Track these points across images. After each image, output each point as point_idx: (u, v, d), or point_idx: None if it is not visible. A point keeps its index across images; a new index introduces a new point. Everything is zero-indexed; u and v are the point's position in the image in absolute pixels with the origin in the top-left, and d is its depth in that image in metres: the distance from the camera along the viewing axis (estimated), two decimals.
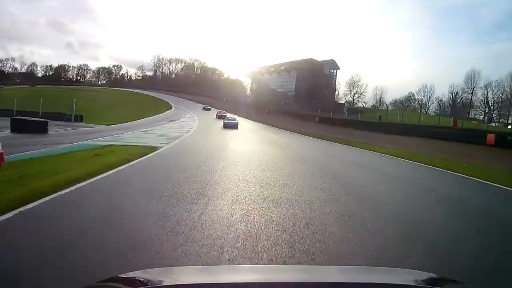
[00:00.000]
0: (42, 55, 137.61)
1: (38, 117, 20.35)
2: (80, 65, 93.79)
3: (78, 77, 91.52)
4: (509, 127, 51.60)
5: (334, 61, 60.15)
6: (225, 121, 29.74)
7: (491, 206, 6.12)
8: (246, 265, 2.66)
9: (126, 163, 7.24)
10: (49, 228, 3.42)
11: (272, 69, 64.76)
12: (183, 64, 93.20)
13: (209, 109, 47.16)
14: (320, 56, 72.48)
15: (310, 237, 3.29)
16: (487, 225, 4.59)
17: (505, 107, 55.93)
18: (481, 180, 8.49)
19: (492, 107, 57.66)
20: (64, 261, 2.60)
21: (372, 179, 8.16)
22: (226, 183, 5.83)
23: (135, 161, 7.74)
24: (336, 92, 62.83)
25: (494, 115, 57.45)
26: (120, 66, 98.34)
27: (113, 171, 6.52)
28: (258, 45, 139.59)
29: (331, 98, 57.16)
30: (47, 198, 4.26)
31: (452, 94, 59.20)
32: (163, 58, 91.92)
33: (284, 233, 3.36)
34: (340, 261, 2.86)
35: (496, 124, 53.94)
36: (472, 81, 56.70)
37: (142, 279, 1.03)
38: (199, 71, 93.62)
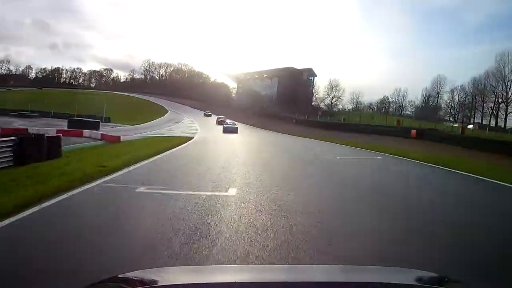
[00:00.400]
0: (27, 55, 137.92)
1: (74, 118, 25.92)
2: (74, 68, 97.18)
3: (71, 80, 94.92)
4: (470, 126, 59.24)
5: (311, 69, 67.26)
6: (225, 125, 30.78)
7: (363, 160, 12.77)
8: (245, 265, 2.72)
9: (185, 143, 13.35)
10: (156, 171, 8.01)
11: (256, 76, 71.30)
12: (172, 68, 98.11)
13: (210, 115, 49.40)
14: (299, 65, 79.24)
15: (270, 159, 9.75)
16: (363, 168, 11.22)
17: (468, 109, 64.02)
18: (370, 150, 15.23)
19: (457, 109, 65.99)
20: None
21: (303, 150, 14.89)
22: (227, 145, 12.32)
23: (190, 142, 13.95)
24: (314, 97, 70.12)
25: (459, 117, 65.80)
26: (111, 70, 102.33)
27: (180, 146, 12.61)
28: (243, 53, 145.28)
29: (308, 102, 64.16)
30: (151, 159, 8.93)
31: (424, 97, 66.79)
32: (153, 63, 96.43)
33: (259, 159, 9.79)
34: (269, 159, 9.31)
35: (458, 124, 61.55)
36: (438, 85, 64.40)
37: (142, 279, 1.04)
38: (187, 75, 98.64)
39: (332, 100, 70.42)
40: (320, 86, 70.83)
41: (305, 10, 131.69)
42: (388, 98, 71.02)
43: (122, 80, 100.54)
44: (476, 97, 60.95)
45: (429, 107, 64.67)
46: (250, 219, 3.90)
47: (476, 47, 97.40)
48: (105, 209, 4.41)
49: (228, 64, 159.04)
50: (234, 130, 28.98)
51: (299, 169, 9.19)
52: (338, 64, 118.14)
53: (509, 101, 55.81)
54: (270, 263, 2.81)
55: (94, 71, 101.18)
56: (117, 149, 10.87)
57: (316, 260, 2.88)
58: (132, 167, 7.31)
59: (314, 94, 69.49)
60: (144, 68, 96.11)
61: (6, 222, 3.54)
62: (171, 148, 11.28)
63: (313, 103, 67.61)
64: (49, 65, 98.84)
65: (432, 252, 3.25)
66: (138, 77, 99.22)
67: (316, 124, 38.65)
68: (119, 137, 13.43)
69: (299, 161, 11.25)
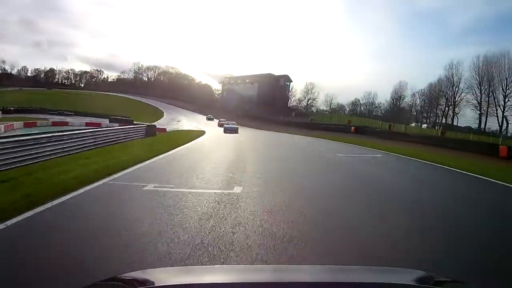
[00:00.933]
0: (11, 54, 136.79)
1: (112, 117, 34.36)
2: (68, 69, 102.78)
3: (65, 81, 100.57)
4: (424, 126, 70.35)
5: (288, 76, 77.53)
6: (226, 125, 32.83)
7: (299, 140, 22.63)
8: (246, 265, 2.74)
9: (203, 135, 22.50)
10: (186, 157, 17.73)
11: (239, 81, 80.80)
12: (159, 70, 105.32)
13: (212, 119, 52.98)
14: (278, 70, 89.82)
15: (253, 140, 19.44)
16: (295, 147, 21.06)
17: (425, 111, 75.12)
18: (317, 138, 25.12)
19: (418, 111, 76.60)
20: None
21: (267, 138, 24.53)
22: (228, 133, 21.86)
23: (207, 134, 23.05)
24: (291, 100, 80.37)
25: (420, 118, 75.74)
26: (101, 71, 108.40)
27: (203, 136, 21.67)
28: (227, 57, 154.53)
29: (285, 105, 74.34)
30: (184, 146, 16.87)
31: (392, 100, 75.69)
32: (142, 66, 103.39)
33: (237, 142, 19.43)
34: (253, 140, 18.87)
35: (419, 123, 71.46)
36: (400, 90, 74.19)
37: (142, 279, 1.04)
38: (173, 77, 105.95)
39: (308, 102, 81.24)
40: (297, 89, 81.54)
41: (285, 17, 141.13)
42: (359, 100, 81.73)
43: (109, 80, 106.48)
44: (432, 101, 72.81)
45: (396, 108, 74.52)
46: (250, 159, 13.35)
47: (455, 49, 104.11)
48: (199, 151, 13.61)
49: (213, 67, 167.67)
50: (234, 130, 31.13)
51: (269, 143, 18.72)
52: (318, 68, 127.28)
53: (456, 104, 67.91)
54: (270, 263, 2.92)
55: (85, 71, 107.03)
56: (173, 135, 19.89)
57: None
58: (192, 142, 16.40)
59: (290, 97, 79.92)
60: (134, 70, 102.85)
61: (168, 156, 12.78)
62: (200, 136, 20.40)
63: (289, 105, 77.85)
64: (33, 63, 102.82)
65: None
66: (124, 77, 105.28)
67: (289, 124, 48.64)
68: (165, 129, 22.48)
69: (269, 140, 21.00)
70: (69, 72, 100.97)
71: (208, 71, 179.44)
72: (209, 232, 3.63)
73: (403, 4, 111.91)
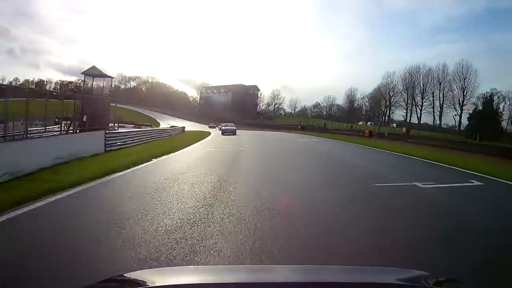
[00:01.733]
0: None
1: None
2: (58, 80, 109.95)
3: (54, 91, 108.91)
4: (369, 123, 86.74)
5: (256, 86, 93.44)
6: (223, 128, 34.38)
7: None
8: (246, 265, 2.75)
9: (209, 135, 37.12)
10: (215, 138, 33.25)
11: (215, 90, 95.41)
12: (140, 80, 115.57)
13: (214, 127, 55.08)
14: (248, 80, 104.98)
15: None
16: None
17: (374, 111, 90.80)
18: (271, 131, 40.90)
19: (366, 112, 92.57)
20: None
21: (240, 133, 39.96)
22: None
23: (212, 134, 37.56)
24: (260, 105, 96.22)
25: (366, 117, 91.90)
26: (84, 80, 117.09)
27: (212, 134, 36.08)
28: (203, 65, 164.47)
29: (254, 109, 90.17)
30: (210, 136, 31.84)
31: (349, 103, 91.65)
32: (125, 76, 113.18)
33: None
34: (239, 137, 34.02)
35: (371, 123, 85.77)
36: (351, 95, 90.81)
37: (142, 280, 1.05)
38: (152, 85, 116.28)
39: (274, 106, 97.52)
40: (266, 95, 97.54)
41: (256, 28, 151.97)
42: (320, 104, 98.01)
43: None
44: (376, 103, 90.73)
45: (348, 110, 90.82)
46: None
47: (424, 48, 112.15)
48: (218, 136, 28.29)
49: (184, 73, 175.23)
50: (232, 132, 32.25)
51: (243, 135, 33.60)
52: (289, 72, 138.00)
53: (391, 106, 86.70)
54: (269, 263, 2.92)
55: (70, 82, 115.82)
56: (192, 134, 34.09)
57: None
58: (211, 135, 30.64)
59: (259, 103, 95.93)
60: (118, 81, 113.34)
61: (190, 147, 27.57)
62: (211, 134, 34.21)
63: (258, 110, 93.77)
64: (5, 71, 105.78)
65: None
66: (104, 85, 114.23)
67: (258, 125, 64.27)
68: (183, 127, 36.64)
69: (243, 134, 35.85)
70: (57, 83, 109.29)
71: (180, 77, 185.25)
72: (230, 146, 18.70)
73: (373, 6, 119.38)
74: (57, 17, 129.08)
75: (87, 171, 7.30)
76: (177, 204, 4.91)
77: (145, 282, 1.01)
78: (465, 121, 60.34)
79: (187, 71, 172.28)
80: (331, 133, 40.95)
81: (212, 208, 4.74)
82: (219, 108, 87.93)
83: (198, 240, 3.43)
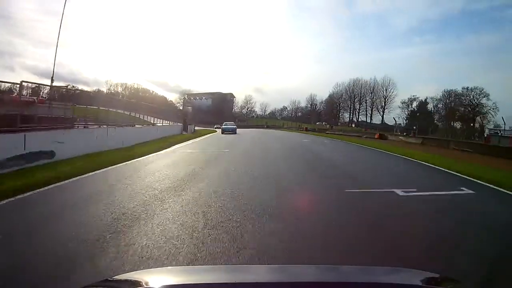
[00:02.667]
0: None
1: None
2: (56, 85, 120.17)
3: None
4: (324, 123, 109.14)
5: (232, 93, 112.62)
6: (223, 126, 35.22)
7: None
8: (246, 265, 2.80)
9: (216, 132, 55.39)
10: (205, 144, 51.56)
11: (198, 97, 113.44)
12: (126, 85, 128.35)
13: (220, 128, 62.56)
14: (225, 89, 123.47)
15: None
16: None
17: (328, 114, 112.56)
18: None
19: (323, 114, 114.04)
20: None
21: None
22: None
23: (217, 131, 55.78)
24: (234, 109, 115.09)
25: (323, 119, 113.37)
26: (74, 86, 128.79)
27: (216, 131, 54.47)
28: (185, 73, 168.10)
29: (230, 114, 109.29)
30: (204, 136, 50.44)
31: (310, 106, 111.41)
32: (113, 82, 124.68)
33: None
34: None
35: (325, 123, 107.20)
36: (311, 99, 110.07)
37: (141, 280, 1.05)
38: (136, 90, 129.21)
39: (247, 110, 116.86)
40: (240, 100, 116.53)
41: (231, 35, 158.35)
42: (286, 107, 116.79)
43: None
44: (330, 107, 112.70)
45: (309, 112, 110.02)
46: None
47: (397, 49, 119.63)
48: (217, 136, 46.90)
49: (163, 78, 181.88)
50: (233, 131, 32.23)
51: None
52: (263, 75, 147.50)
53: (340, 109, 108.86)
54: (269, 263, 2.99)
55: (61, 86, 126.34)
56: (203, 130, 52.11)
57: None
58: (218, 130, 47.85)
59: (234, 108, 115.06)
60: (107, 88, 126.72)
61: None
62: (217, 130, 51.69)
63: (233, 113, 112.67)
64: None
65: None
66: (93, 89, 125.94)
67: None
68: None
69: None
70: (52, 89, 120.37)
71: (152, 79, 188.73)
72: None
73: (344, 8, 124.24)
74: (32, 18, 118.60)
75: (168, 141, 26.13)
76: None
77: (145, 282, 1.02)
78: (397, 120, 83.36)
79: (163, 75, 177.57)
80: (284, 129, 61.32)
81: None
82: (200, 111, 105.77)
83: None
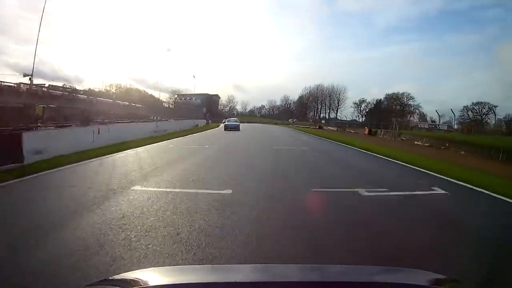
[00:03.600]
0: None
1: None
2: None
3: None
4: (295, 120, 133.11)
5: (218, 94, 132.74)
6: (227, 123, 35.88)
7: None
8: (246, 265, 2.74)
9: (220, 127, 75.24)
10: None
11: (188, 98, 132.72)
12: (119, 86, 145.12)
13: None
14: (212, 91, 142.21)
15: None
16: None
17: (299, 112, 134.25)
18: None
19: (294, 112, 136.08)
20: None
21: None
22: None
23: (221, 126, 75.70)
24: (219, 108, 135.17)
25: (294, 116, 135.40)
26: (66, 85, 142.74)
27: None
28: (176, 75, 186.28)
29: (216, 111, 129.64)
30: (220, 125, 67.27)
31: (284, 105, 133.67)
32: (107, 83, 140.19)
33: None
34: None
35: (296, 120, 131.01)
36: (285, 100, 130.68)
37: (142, 279, 1.05)
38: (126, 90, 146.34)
39: (229, 108, 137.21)
40: (223, 99, 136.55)
41: (217, 39, 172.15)
42: (264, 106, 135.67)
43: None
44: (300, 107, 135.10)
45: (283, 111, 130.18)
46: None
47: (379, 48, 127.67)
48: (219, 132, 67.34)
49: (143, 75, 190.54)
50: (235, 127, 32.59)
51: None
52: (247, 75, 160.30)
53: (308, 108, 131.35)
54: (269, 263, 3.02)
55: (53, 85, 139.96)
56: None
57: None
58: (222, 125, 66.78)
59: (219, 106, 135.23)
60: (104, 88, 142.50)
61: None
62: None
63: (218, 111, 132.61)
64: None
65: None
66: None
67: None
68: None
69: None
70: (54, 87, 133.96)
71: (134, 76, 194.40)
72: None
73: (324, 6, 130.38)
74: (15, 15, 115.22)
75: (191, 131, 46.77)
76: None
77: (145, 282, 1.02)
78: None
79: (143, 72, 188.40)
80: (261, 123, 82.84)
81: None
82: (192, 110, 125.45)
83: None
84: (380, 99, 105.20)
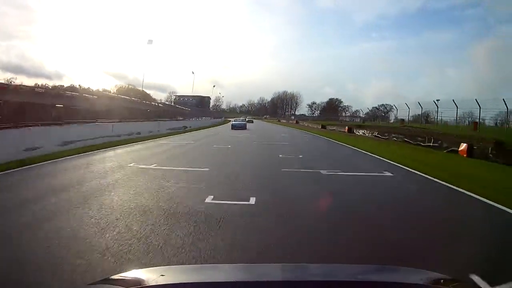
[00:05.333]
0: None
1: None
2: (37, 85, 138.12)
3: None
4: (268, 116, 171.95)
5: (209, 97, 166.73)
6: (233, 122, 35.74)
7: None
8: (245, 264, 2.76)
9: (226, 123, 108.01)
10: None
11: (186, 98, 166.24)
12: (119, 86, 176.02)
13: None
14: (204, 92, 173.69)
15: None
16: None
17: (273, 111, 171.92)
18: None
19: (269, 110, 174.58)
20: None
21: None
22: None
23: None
24: (210, 106, 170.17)
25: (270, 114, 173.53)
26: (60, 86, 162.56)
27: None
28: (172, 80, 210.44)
29: (207, 108, 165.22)
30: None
31: (261, 104, 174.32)
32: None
33: None
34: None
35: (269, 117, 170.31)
36: (262, 100, 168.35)
37: (142, 279, 1.05)
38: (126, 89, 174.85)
39: (216, 107, 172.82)
40: (212, 98, 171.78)
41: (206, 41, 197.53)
42: (244, 105, 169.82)
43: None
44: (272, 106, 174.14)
45: (259, 108, 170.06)
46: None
47: (356, 45, 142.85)
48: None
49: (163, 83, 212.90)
50: (242, 126, 31.69)
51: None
52: (232, 74, 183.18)
53: (278, 107, 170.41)
54: (269, 263, 3.04)
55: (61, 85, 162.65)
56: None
57: None
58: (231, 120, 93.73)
59: (210, 105, 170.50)
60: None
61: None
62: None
63: (210, 108, 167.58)
64: None
65: None
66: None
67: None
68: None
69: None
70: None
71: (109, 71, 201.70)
72: None
73: (303, 4, 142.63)
74: None
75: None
76: None
77: (145, 282, 1.02)
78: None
79: (119, 67, 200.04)
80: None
81: None
82: (189, 108, 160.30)
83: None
84: (333, 98, 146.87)
